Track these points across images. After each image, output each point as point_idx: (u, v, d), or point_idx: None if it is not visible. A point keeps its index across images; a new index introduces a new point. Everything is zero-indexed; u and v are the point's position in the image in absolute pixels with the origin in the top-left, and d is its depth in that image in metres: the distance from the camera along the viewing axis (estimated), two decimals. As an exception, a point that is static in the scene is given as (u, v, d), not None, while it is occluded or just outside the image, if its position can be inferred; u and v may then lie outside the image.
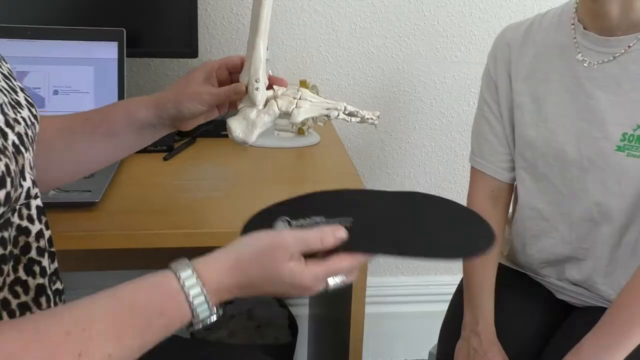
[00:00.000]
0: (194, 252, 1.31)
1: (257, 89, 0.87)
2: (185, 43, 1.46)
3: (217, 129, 1.50)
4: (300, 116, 0.87)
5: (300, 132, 1.50)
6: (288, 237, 0.68)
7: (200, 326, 0.65)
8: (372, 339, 1.95)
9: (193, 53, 1.48)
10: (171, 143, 1.41)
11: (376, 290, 1.92)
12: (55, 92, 1.31)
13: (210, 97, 0.88)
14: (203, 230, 1.07)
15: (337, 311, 1.30)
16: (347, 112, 0.89)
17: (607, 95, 1.02)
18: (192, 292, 0.63)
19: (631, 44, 1.00)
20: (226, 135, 1.49)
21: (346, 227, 0.71)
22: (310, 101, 0.88)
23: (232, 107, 0.94)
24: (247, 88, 0.87)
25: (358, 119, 0.90)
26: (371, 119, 0.91)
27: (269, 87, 0.89)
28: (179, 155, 1.39)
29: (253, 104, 0.87)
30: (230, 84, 0.90)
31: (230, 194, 1.20)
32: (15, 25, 1.31)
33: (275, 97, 0.89)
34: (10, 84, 0.80)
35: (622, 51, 1.01)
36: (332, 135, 1.58)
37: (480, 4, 1.70)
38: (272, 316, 1.77)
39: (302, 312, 1.88)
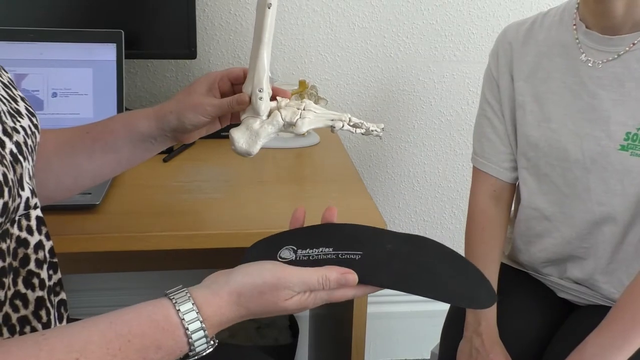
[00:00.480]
0: (194, 254, 1.31)
1: (260, 98, 0.85)
2: (183, 44, 1.46)
3: (216, 131, 1.49)
4: (304, 127, 0.86)
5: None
6: (292, 277, 0.67)
7: (195, 358, 0.64)
8: (374, 338, 1.95)
9: (191, 54, 1.48)
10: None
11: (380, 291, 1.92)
12: (54, 95, 1.31)
13: (212, 108, 0.87)
14: (203, 232, 1.07)
15: (339, 311, 1.30)
16: (351, 124, 0.89)
17: (611, 95, 1.02)
18: (191, 327, 0.63)
19: (635, 42, 1.00)
20: (226, 137, 1.49)
21: (353, 260, 0.71)
22: (315, 112, 0.88)
23: (234, 118, 0.93)
24: (250, 98, 0.86)
25: (362, 131, 0.89)
26: (375, 130, 0.90)
27: (272, 98, 0.88)
28: (179, 157, 1.39)
29: (256, 114, 0.86)
30: (233, 95, 0.89)
31: (230, 195, 1.20)
32: (13, 27, 1.31)
33: (279, 108, 0.87)
34: (10, 93, 0.79)
35: (626, 49, 1.01)
36: (331, 135, 1.58)
37: (479, 2, 1.70)
38: (272, 317, 1.76)
39: (303, 313, 1.87)
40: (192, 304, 0.63)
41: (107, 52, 1.32)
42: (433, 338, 1.31)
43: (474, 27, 1.72)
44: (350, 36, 1.69)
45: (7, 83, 0.81)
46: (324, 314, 1.61)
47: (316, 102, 1.47)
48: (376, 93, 1.75)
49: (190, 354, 0.64)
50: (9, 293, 0.70)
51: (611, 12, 0.99)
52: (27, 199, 0.72)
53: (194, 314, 0.63)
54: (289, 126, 0.87)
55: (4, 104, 0.75)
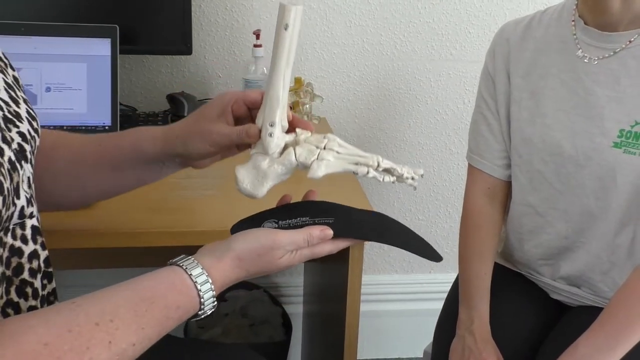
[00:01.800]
0: (187, 251, 1.30)
1: (270, 135, 0.75)
2: (179, 40, 1.46)
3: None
4: (320, 171, 0.74)
5: (294, 129, 1.49)
6: (283, 238, 0.76)
7: (202, 317, 0.72)
8: (367, 337, 1.95)
9: (187, 50, 1.47)
10: (165, 141, 1.40)
11: (371, 288, 1.92)
12: (48, 89, 1.30)
13: (220, 137, 0.80)
14: (197, 229, 1.06)
15: (332, 309, 1.30)
16: (380, 169, 0.76)
17: (606, 91, 1.02)
18: (203, 288, 0.70)
19: (632, 39, 1.00)
20: (220, 133, 1.50)
21: (328, 223, 0.78)
22: (337, 152, 0.76)
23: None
24: (260, 132, 0.77)
25: (393, 179, 0.77)
26: (410, 179, 0.77)
27: (291, 130, 0.78)
28: (173, 153, 1.39)
29: (266, 151, 0.77)
30: (248, 122, 0.82)
31: (225, 192, 1.19)
32: (8, 21, 1.30)
33: (295, 144, 0.77)
34: (12, 94, 0.77)
35: (623, 46, 1.01)
36: (326, 133, 1.57)
37: (476, 1, 1.70)
38: (266, 314, 1.76)
39: (296, 310, 1.87)
40: (202, 269, 0.71)
41: (101, 47, 1.32)
42: (427, 337, 1.31)
43: (471, 26, 1.72)
44: (347, 34, 1.68)
45: (12, 83, 0.79)
46: (317, 311, 1.61)
47: (312, 100, 1.46)
48: (372, 91, 1.75)
49: (200, 312, 0.71)
50: (1, 302, 0.70)
51: (608, 8, 0.99)
52: (22, 207, 0.71)
53: (204, 277, 0.71)
54: (303, 167, 0.76)
55: (2, 109, 0.74)
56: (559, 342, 1.05)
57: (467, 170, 1.25)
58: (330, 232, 0.77)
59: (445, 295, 1.27)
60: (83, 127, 1.32)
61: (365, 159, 0.77)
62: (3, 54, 0.83)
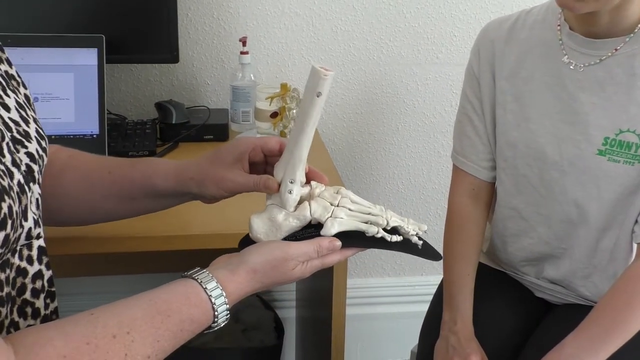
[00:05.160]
0: (178, 255, 1.32)
1: (290, 191, 0.79)
2: (165, 48, 1.47)
3: (199, 134, 1.50)
4: (333, 229, 0.78)
5: (282, 135, 1.51)
6: (296, 250, 0.77)
7: (215, 328, 0.74)
8: (359, 339, 1.96)
9: (174, 58, 1.48)
10: (153, 148, 1.41)
11: (362, 292, 1.93)
12: (36, 99, 1.30)
13: (235, 185, 0.83)
14: (183, 233, 1.07)
15: (321, 313, 1.31)
16: (389, 228, 0.81)
17: (591, 98, 1.02)
18: (218, 301, 0.72)
19: (618, 47, 0.99)
20: (209, 140, 1.52)
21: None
22: (349, 209, 0.80)
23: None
24: (279, 186, 0.80)
25: (400, 238, 0.82)
26: (415, 237, 0.82)
27: (307, 181, 0.81)
28: (161, 160, 1.40)
29: (283, 206, 0.79)
30: (264, 167, 0.85)
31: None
32: (-6, 33, 1.32)
33: (310, 198, 0.80)
34: (23, 114, 0.78)
35: (609, 54, 1.00)
36: (315, 137, 1.58)
37: (460, 5, 1.71)
38: (258, 319, 1.77)
39: (288, 315, 1.88)
40: (216, 282, 0.72)
41: (88, 57, 1.33)
42: (417, 338, 1.32)
43: (456, 29, 1.73)
44: (333, 39, 1.70)
45: (23, 102, 0.80)
46: (308, 315, 1.62)
47: (297, 105, 1.48)
48: (359, 96, 1.76)
49: (214, 325, 0.73)
50: (6, 322, 0.71)
51: (597, 21, 0.99)
52: (30, 229, 0.72)
53: (218, 291, 0.72)
54: (316, 222, 0.80)
55: (11, 129, 0.74)
56: (544, 339, 1.06)
57: (451, 171, 1.26)
58: (338, 243, 0.78)
59: (435, 297, 1.28)
60: (71, 136, 1.33)
61: (375, 217, 0.81)
62: (17, 72, 0.83)
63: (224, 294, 0.72)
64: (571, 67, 1.03)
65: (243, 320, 1.74)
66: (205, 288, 0.71)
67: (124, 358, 0.62)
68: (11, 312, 0.72)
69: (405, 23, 1.71)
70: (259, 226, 0.80)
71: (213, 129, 1.52)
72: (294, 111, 1.48)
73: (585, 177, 1.04)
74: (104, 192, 0.88)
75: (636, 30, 0.99)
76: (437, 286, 1.28)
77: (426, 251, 0.85)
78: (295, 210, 0.80)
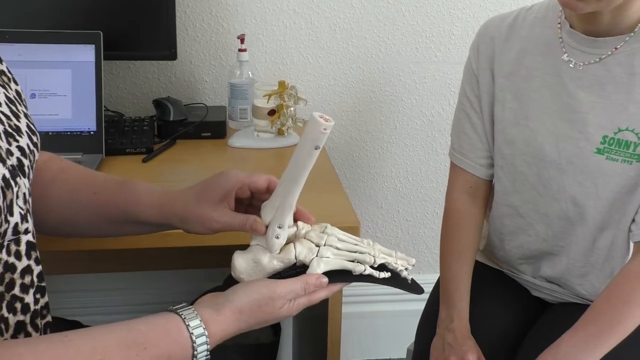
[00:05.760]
0: (172, 252, 1.31)
1: (277, 237, 0.78)
2: (163, 45, 1.47)
3: (196, 131, 1.50)
4: (319, 269, 0.78)
5: (279, 132, 1.51)
6: (283, 288, 0.76)
7: None
8: (356, 337, 1.96)
9: (172, 55, 1.49)
10: (150, 145, 1.41)
11: (360, 290, 1.93)
12: (33, 96, 1.31)
13: (219, 225, 0.81)
14: (178, 230, 1.07)
15: (317, 311, 1.31)
16: (376, 265, 0.81)
17: (590, 97, 1.02)
18: (199, 340, 0.69)
19: (618, 46, 0.99)
20: (206, 137, 1.52)
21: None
22: (336, 248, 0.80)
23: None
24: (267, 230, 0.79)
25: (388, 274, 0.82)
26: (404, 271, 0.83)
27: (294, 221, 0.81)
28: (158, 157, 1.40)
29: (268, 249, 0.79)
30: (250, 201, 0.85)
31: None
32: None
33: (295, 239, 0.80)
34: (13, 108, 0.78)
35: (609, 53, 1.00)
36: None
37: (459, 4, 1.71)
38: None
39: (286, 313, 1.88)
40: (200, 320, 0.70)
41: (85, 53, 1.33)
42: (413, 337, 1.32)
43: (455, 28, 1.73)
44: (332, 37, 1.70)
45: (13, 97, 0.80)
46: (305, 313, 1.62)
47: (296, 103, 1.48)
48: (358, 94, 1.76)
49: None
50: None
51: (598, 20, 0.99)
52: (16, 224, 0.72)
53: (201, 330, 0.70)
54: (301, 264, 0.80)
55: (3, 122, 0.74)
56: (540, 338, 1.07)
57: (449, 168, 1.26)
58: (325, 279, 0.78)
59: (433, 296, 1.28)
60: (69, 133, 1.33)
61: (362, 255, 0.81)
62: (7, 68, 0.84)
63: (206, 334, 0.70)
64: (571, 65, 1.04)
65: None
66: (188, 325, 0.69)
67: None
68: (0, 307, 0.72)
69: (403, 21, 1.71)
70: (242, 266, 0.79)
71: (211, 126, 1.52)
72: (292, 109, 1.48)
73: (583, 175, 1.04)
74: (87, 212, 0.87)
75: (636, 29, 0.99)
76: (434, 284, 1.28)
77: (412, 285, 0.85)
78: (280, 253, 0.79)
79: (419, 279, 2.11)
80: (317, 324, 1.33)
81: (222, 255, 0.95)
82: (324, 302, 1.16)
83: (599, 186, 1.03)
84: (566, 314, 1.08)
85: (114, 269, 1.65)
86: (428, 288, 1.32)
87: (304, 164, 0.75)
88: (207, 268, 1.72)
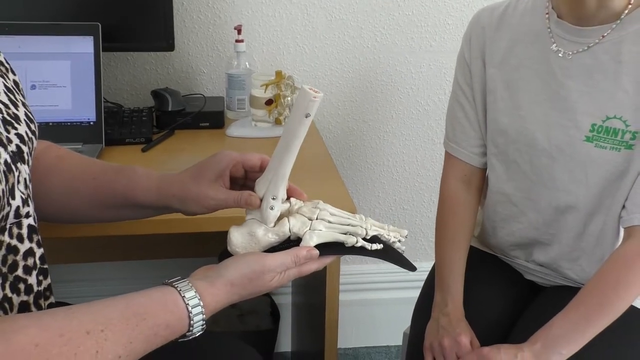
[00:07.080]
0: (175, 239, 1.33)
1: (271, 208, 0.80)
2: (161, 37, 1.48)
3: (194, 121, 1.52)
4: (312, 241, 0.80)
5: (277, 122, 1.53)
6: (273, 262, 0.78)
7: (189, 338, 0.74)
8: (354, 324, 1.98)
9: (169, 46, 1.50)
10: (149, 135, 1.43)
11: (358, 278, 1.95)
12: (33, 87, 1.33)
13: (216, 202, 0.84)
14: (180, 216, 1.09)
15: (315, 298, 1.33)
16: (368, 237, 0.82)
17: (578, 86, 1.03)
18: (194, 310, 0.72)
19: (605, 34, 1.01)
20: (204, 127, 1.53)
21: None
22: (328, 221, 0.81)
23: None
24: (261, 202, 0.81)
25: (381, 246, 0.83)
26: (398, 241, 0.85)
27: (287, 198, 0.83)
28: (158, 147, 1.41)
29: (264, 222, 0.81)
30: (244, 181, 0.87)
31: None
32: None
33: (289, 214, 0.82)
34: (12, 97, 0.80)
35: (596, 41, 1.01)
36: (310, 125, 1.60)
37: (454, -7, 1.73)
38: (254, 304, 1.79)
39: (284, 300, 1.90)
40: (195, 292, 0.73)
41: (84, 45, 1.35)
42: (409, 323, 1.34)
43: (449, 17, 1.75)
44: (328, 27, 1.71)
45: (11, 87, 0.82)
46: (303, 301, 1.64)
47: (293, 93, 1.49)
48: (354, 84, 1.78)
49: (188, 333, 0.73)
50: None
51: (584, 3, 1.00)
52: (18, 207, 0.74)
53: (196, 300, 0.72)
54: (295, 237, 0.81)
55: (1, 110, 0.76)
56: (532, 320, 1.08)
57: (444, 157, 1.28)
58: (316, 252, 0.80)
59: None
60: (68, 124, 1.35)
61: (354, 227, 0.82)
62: (5, 58, 0.86)
63: (201, 304, 0.72)
64: (559, 54, 1.05)
65: (239, 305, 1.77)
66: (184, 296, 0.72)
67: (95, 355, 0.63)
68: (3, 288, 0.75)
69: (399, 11, 1.72)
70: (238, 240, 0.81)
71: (209, 117, 1.54)
72: (289, 98, 1.50)
73: (573, 163, 1.05)
74: (86, 199, 0.89)
75: (622, 16, 1.00)
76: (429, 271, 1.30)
77: (404, 261, 0.86)
78: (274, 226, 0.81)
79: (417, 267, 2.13)
80: (315, 312, 1.35)
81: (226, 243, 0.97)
82: (322, 290, 1.18)
83: (589, 174, 1.05)
84: (558, 297, 1.10)
85: (116, 257, 1.67)
86: (424, 276, 1.35)
87: (295, 133, 0.76)
88: (209, 256, 1.74)
